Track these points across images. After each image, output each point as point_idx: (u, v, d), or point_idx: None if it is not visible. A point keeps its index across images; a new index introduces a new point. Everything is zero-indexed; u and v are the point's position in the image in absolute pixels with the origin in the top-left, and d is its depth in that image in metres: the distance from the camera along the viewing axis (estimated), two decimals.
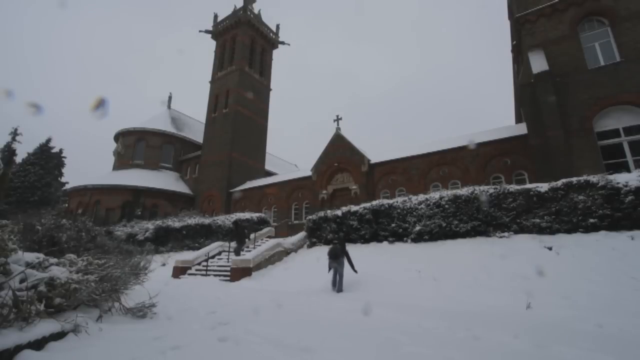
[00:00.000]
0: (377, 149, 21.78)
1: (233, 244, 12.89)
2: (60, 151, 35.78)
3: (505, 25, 20.10)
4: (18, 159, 32.04)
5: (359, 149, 19.65)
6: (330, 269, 8.01)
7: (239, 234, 12.69)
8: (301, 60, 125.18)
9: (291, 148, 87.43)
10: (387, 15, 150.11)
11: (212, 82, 31.31)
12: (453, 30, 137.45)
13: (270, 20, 71.24)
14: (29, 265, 3.04)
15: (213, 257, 12.86)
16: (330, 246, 8.40)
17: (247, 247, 13.35)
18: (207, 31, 32.74)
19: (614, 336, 3.22)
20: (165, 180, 28.70)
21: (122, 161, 30.18)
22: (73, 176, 41.10)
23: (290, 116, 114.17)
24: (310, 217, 13.35)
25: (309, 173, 21.61)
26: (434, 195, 10.46)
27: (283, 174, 28.16)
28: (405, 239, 10.45)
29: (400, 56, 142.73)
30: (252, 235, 14.06)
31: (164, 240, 17.53)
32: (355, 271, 7.85)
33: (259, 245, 12.75)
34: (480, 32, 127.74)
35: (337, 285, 7.68)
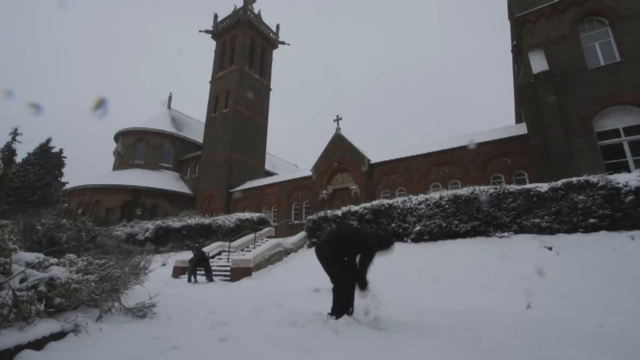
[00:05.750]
0: (375, 146, 21.96)
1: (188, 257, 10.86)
2: (60, 151, 35.80)
3: (505, 25, 20.11)
4: (18, 159, 32.09)
5: (359, 149, 19.66)
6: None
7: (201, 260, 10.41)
8: (286, 53, 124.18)
9: (280, 144, 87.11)
10: (382, 8, 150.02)
11: (212, 82, 31.32)
12: (453, 29, 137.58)
13: (265, 16, 71.12)
14: (29, 265, 3.04)
15: (213, 257, 12.85)
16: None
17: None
18: (207, 31, 32.75)
19: (614, 336, 3.22)
20: (165, 180, 28.71)
21: (122, 161, 30.19)
22: (73, 176, 41.15)
23: (276, 112, 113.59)
24: (310, 217, 13.35)
25: (309, 173, 21.62)
26: (434, 195, 10.46)
27: (283, 174, 28.17)
28: (405, 239, 10.44)
29: (397, 54, 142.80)
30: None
31: (164, 240, 17.52)
32: None
33: (259, 245, 12.75)
34: (481, 31, 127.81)
35: None
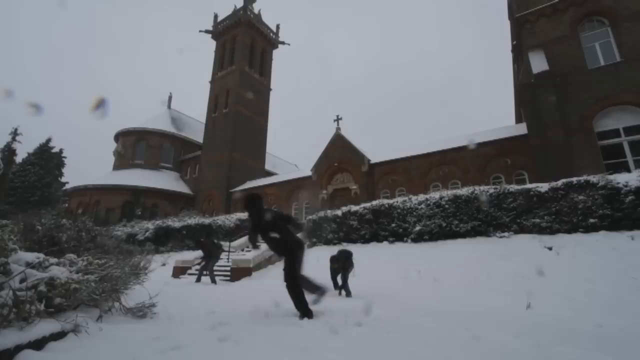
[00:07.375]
0: (375, 146, 22.02)
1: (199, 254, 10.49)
2: (60, 151, 35.84)
3: (505, 25, 20.10)
4: (18, 159, 32.07)
5: (359, 149, 19.66)
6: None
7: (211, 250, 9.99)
8: (284, 51, 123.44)
9: (280, 144, 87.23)
10: (379, 6, 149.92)
11: (212, 82, 31.31)
12: (453, 29, 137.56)
13: (264, 15, 71.01)
14: (29, 265, 3.03)
15: None
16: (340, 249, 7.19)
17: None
18: (207, 31, 32.76)
19: (614, 336, 3.22)
20: (165, 180, 28.72)
21: (122, 161, 30.21)
22: (73, 176, 41.18)
23: (276, 111, 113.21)
24: (310, 217, 13.35)
25: (309, 173, 21.62)
26: (434, 195, 10.47)
27: (283, 174, 28.17)
28: (405, 239, 10.45)
29: (395, 54, 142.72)
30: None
31: (164, 240, 17.53)
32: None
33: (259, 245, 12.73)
34: (481, 31, 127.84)
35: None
